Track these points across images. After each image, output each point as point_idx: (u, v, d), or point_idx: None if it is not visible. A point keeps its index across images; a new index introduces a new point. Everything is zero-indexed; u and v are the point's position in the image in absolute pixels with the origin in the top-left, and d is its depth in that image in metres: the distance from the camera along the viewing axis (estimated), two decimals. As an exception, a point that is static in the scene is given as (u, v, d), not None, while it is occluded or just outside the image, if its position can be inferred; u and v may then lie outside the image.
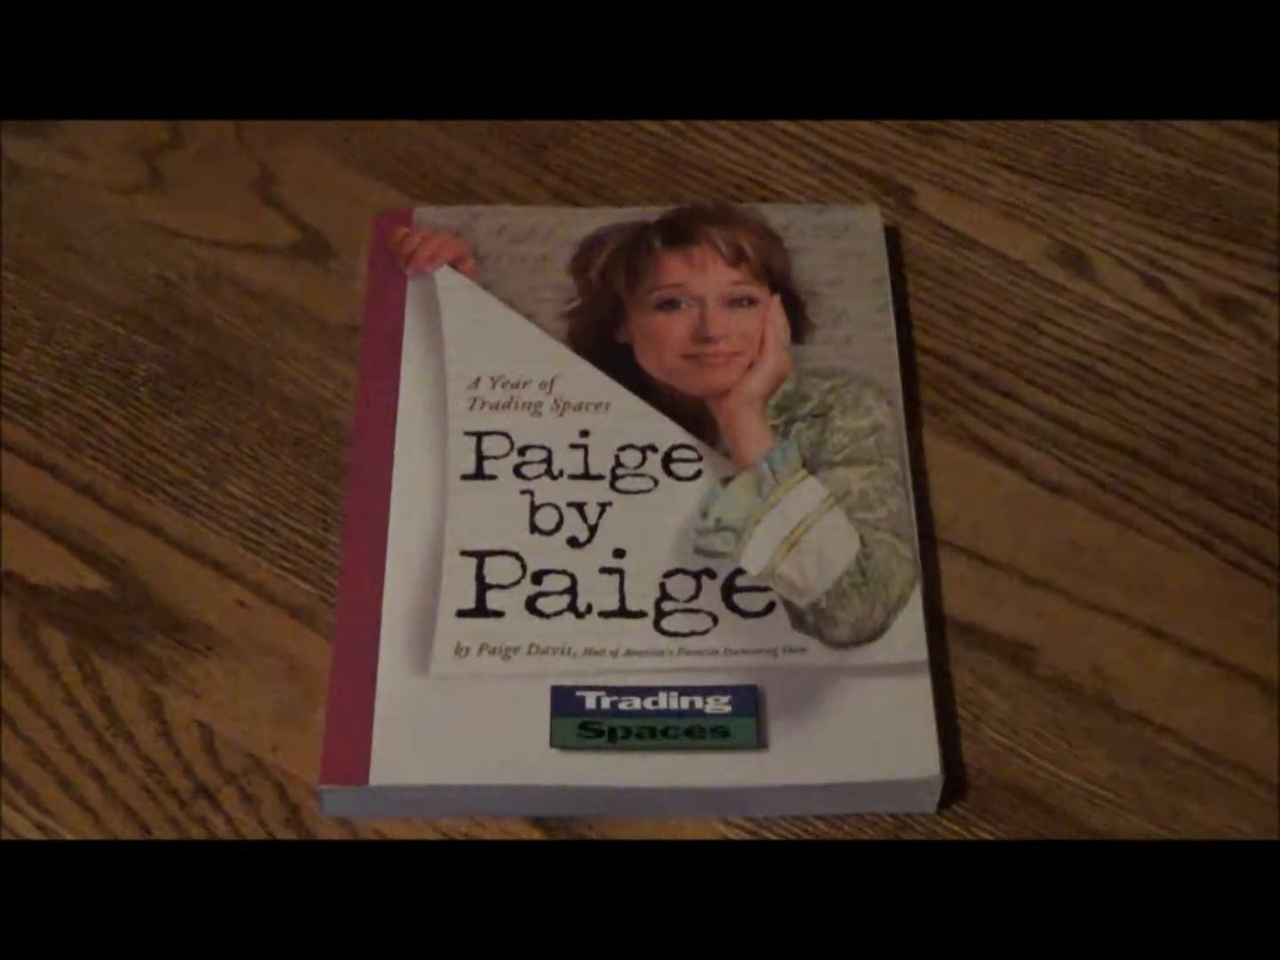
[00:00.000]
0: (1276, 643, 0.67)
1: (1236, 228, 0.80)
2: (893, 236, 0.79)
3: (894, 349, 0.73)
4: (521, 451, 0.70)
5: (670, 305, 0.73)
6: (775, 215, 0.77)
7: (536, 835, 0.63)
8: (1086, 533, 0.71)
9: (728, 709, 0.64)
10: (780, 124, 0.84)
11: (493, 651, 0.65)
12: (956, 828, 0.63)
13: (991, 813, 0.64)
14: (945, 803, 0.63)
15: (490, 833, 0.63)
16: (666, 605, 0.66)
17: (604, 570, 0.67)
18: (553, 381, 0.72)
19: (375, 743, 0.63)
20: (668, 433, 0.70)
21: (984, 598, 0.69)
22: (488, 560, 0.67)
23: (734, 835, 0.63)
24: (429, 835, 0.63)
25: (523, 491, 0.69)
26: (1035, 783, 0.64)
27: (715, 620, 0.66)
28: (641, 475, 0.69)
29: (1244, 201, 0.81)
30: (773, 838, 0.63)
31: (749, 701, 0.64)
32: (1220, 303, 0.78)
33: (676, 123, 0.84)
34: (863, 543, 0.67)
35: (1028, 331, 0.77)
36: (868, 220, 0.77)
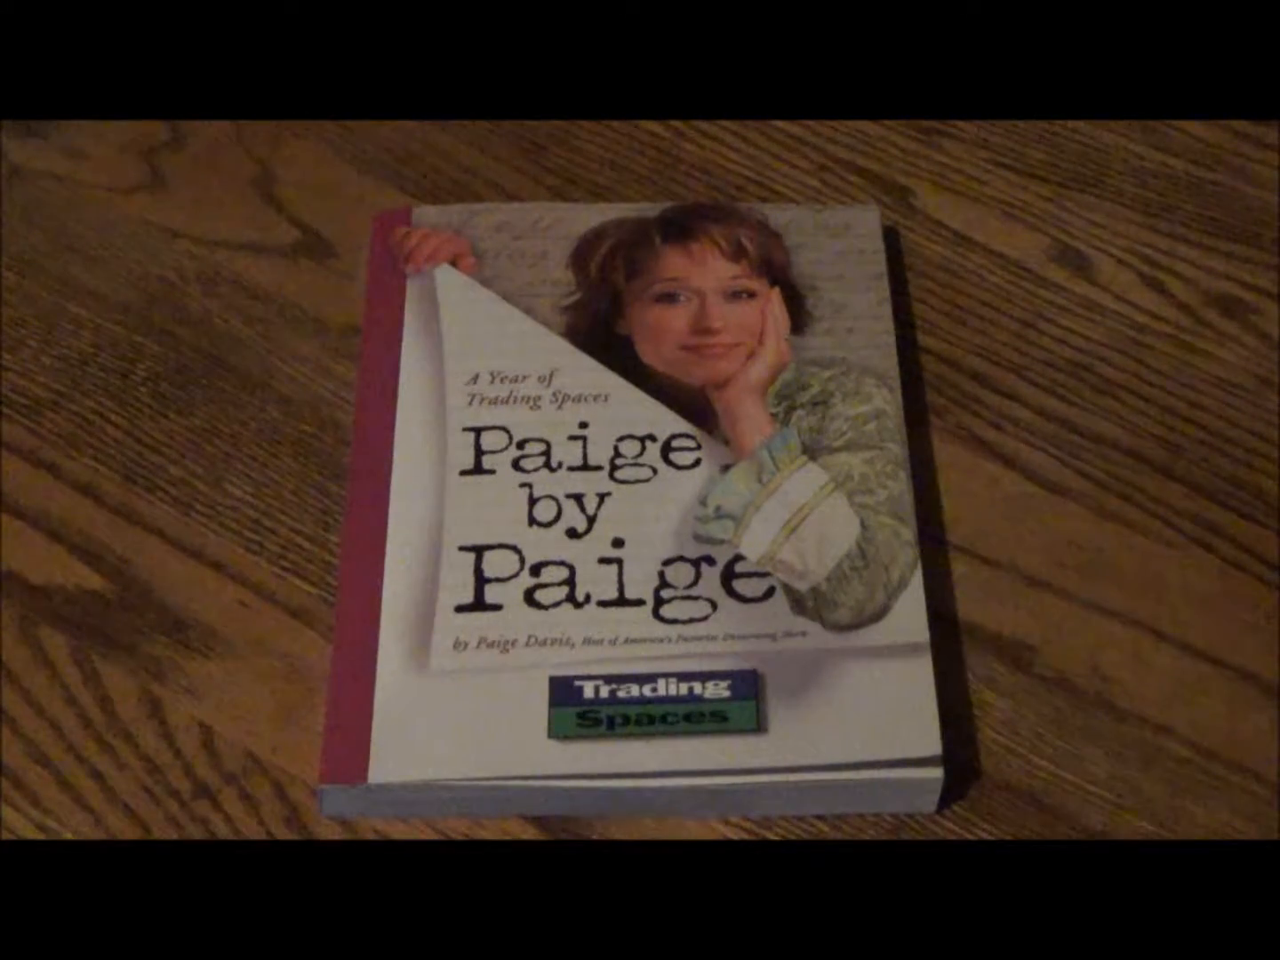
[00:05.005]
0: (1276, 643, 0.67)
1: (1236, 228, 0.80)
2: (893, 236, 0.79)
3: (893, 340, 0.73)
4: (520, 445, 0.70)
5: (669, 298, 0.73)
6: (775, 215, 0.77)
7: (536, 835, 0.63)
8: (1086, 533, 0.70)
9: (727, 694, 0.63)
10: (780, 124, 0.84)
11: (491, 645, 0.65)
12: (956, 828, 0.63)
13: (991, 813, 0.64)
14: (945, 803, 0.63)
15: (489, 832, 0.63)
16: (665, 593, 0.66)
17: (602, 560, 0.67)
18: (551, 375, 0.72)
19: (374, 741, 0.62)
20: (667, 422, 0.70)
21: (984, 598, 0.69)
22: (486, 554, 0.67)
23: (734, 835, 0.63)
24: (428, 835, 0.63)
25: (521, 485, 0.69)
26: (1035, 783, 0.64)
27: (714, 606, 0.66)
28: (640, 465, 0.69)
29: (1244, 201, 0.81)
30: (773, 837, 0.63)
31: (748, 686, 0.64)
32: (1220, 303, 0.78)
33: (676, 123, 0.84)
34: (863, 526, 0.67)
35: (1028, 331, 0.77)
36: (867, 220, 0.77)
